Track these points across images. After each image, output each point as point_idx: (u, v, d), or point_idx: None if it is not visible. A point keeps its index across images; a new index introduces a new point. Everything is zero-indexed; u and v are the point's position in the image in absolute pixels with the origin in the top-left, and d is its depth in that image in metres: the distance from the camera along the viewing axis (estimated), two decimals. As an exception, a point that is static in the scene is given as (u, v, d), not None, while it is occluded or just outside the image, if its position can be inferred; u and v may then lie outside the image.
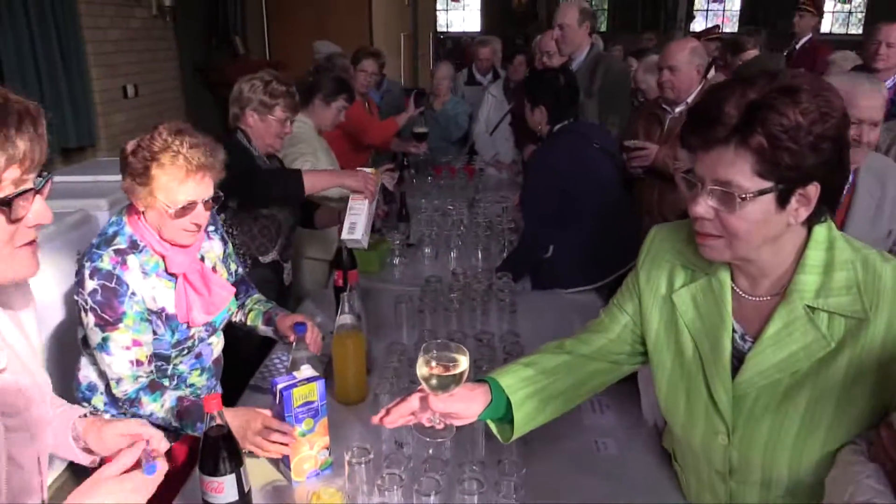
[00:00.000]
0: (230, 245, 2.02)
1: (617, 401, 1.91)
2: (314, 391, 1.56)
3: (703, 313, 1.27)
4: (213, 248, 1.91)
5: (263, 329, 2.01)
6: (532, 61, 4.32)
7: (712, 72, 3.56)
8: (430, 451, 1.57)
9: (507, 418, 1.37)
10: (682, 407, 1.32)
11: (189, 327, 1.78)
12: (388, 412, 1.31)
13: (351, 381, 1.84)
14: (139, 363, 1.67)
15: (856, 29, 15.23)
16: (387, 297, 2.47)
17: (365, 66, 4.32)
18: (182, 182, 1.60)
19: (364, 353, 1.90)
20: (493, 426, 1.40)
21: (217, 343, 1.94)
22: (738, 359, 1.24)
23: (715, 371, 1.25)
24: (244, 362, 2.11)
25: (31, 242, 0.95)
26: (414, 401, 1.28)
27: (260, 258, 2.51)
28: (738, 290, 1.26)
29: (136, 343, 1.66)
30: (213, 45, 6.49)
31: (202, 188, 1.63)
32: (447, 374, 1.24)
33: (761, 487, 1.26)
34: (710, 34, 6.16)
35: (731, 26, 16.53)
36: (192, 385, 1.87)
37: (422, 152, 4.36)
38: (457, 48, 13.56)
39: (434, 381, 1.24)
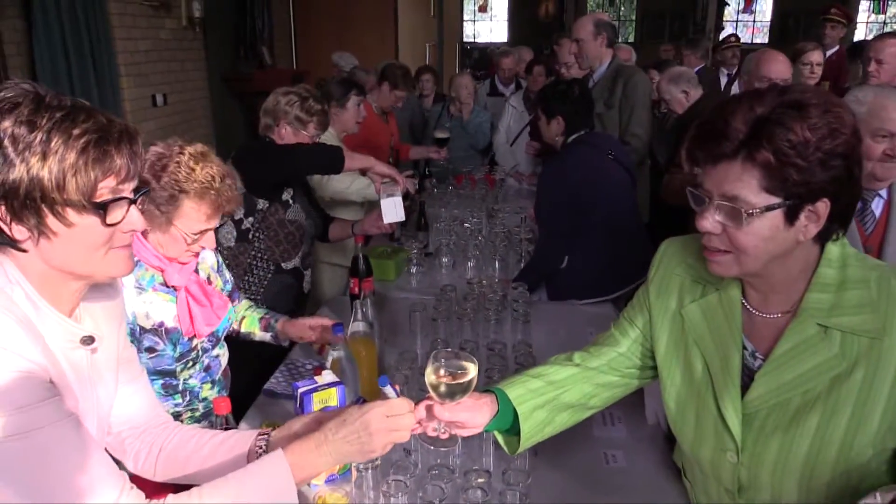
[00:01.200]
0: (220, 255, 2.02)
1: (627, 413, 1.90)
2: (334, 396, 1.59)
3: (713, 329, 1.26)
4: (206, 259, 1.91)
5: (261, 335, 2.04)
6: (552, 72, 4.34)
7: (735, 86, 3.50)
8: (438, 460, 1.58)
9: (514, 430, 1.37)
10: (691, 423, 1.31)
11: (191, 339, 1.78)
12: None
13: (364, 387, 1.86)
14: None
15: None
16: (403, 306, 2.49)
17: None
18: (209, 217, 1.63)
19: (375, 360, 1.92)
20: (499, 438, 1.41)
21: (223, 354, 1.94)
22: (749, 376, 1.23)
23: (724, 388, 1.23)
24: (249, 371, 2.13)
25: (127, 246, 1.07)
26: (420, 409, 1.29)
27: (283, 264, 2.54)
28: (748, 307, 1.24)
29: None
30: (241, 55, 6.60)
31: (220, 217, 1.67)
32: (455, 382, 1.25)
33: None
34: (726, 43, 6.12)
35: (761, 37, 16.41)
36: (204, 399, 1.86)
37: (443, 158, 4.39)
38: (483, 58, 13.61)
39: (442, 389, 1.25)
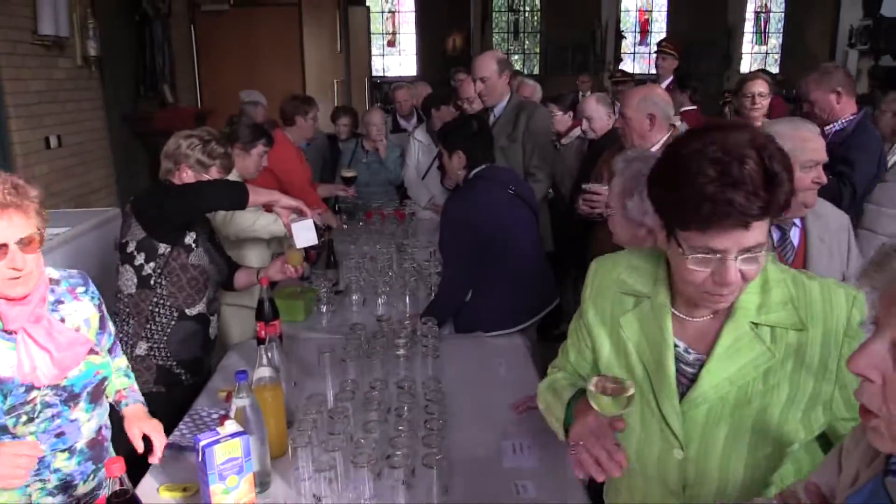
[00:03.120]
0: (105, 312, 1.86)
1: (538, 441, 1.94)
2: (238, 447, 1.55)
3: (647, 334, 1.35)
4: (79, 310, 1.76)
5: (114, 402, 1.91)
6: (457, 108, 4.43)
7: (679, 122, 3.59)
8: (350, 496, 1.58)
9: None
10: (637, 427, 1.37)
11: (29, 390, 1.60)
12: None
13: (270, 436, 1.83)
14: None
15: (774, 69, 16.08)
16: (313, 347, 2.46)
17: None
18: None
19: (282, 408, 1.90)
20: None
21: (89, 421, 1.74)
22: (686, 376, 1.33)
23: (662, 388, 1.32)
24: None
25: None
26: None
27: (187, 310, 2.48)
28: (677, 313, 1.34)
29: None
30: (141, 94, 6.43)
31: (12, 229, 1.52)
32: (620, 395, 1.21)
33: (716, 495, 1.32)
34: (613, 77, 6.50)
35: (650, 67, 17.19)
36: (57, 471, 1.67)
37: (350, 196, 4.41)
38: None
39: (607, 401, 1.21)
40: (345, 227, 4.13)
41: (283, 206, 2.42)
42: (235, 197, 2.33)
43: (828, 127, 3.19)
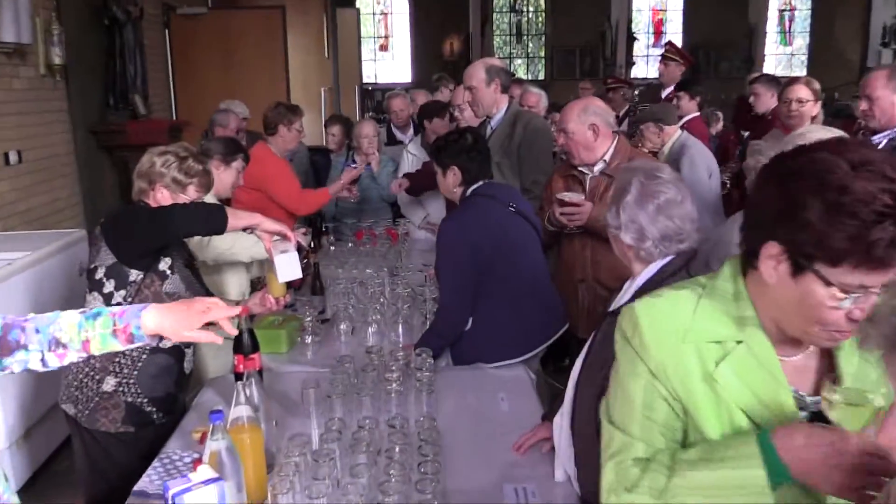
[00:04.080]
0: None
1: (544, 486, 1.95)
2: (213, 494, 1.54)
3: (751, 384, 1.25)
4: None
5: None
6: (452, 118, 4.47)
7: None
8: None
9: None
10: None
11: None
12: None
13: (248, 481, 1.82)
14: None
15: (799, 71, 16.19)
16: (296, 381, 2.44)
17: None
18: None
19: (262, 450, 1.89)
20: None
21: None
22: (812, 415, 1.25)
23: None
24: (115, 469, 2.02)
25: None
26: None
27: (159, 343, 2.41)
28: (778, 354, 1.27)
29: None
30: (110, 105, 6.45)
31: None
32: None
33: None
34: (606, 85, 6.57)
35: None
36: None
37: (353, 197, 4.42)
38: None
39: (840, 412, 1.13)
40: (332, 248, 4.12)
41: (266, 230, 2.40)
42: (213, 221, 2.31)
43: (880, 135, 3.17)
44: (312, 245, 3.45)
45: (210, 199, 3.05)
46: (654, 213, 1.84)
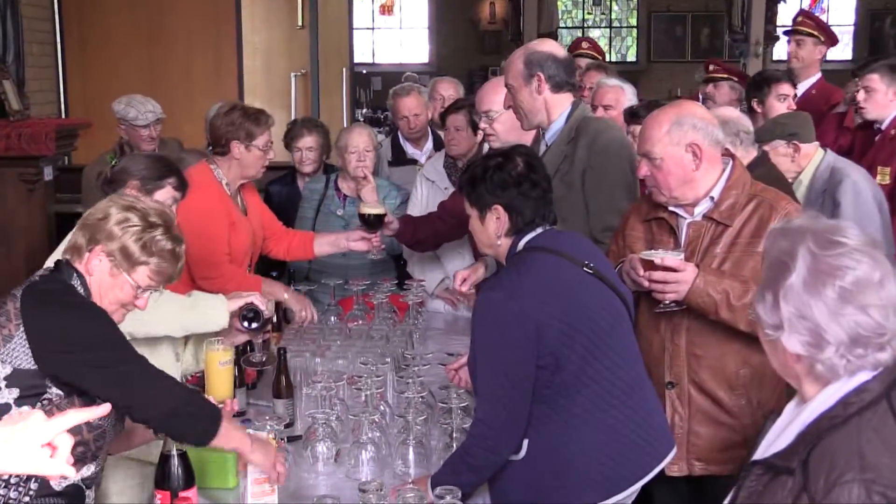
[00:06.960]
0: None
1: None
2: None
3: None
4: None
5: None
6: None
7: None
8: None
9: None
10: None
11: None
12: None
13: None
14: None
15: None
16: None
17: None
18: None
19: None
20: None
21: None
22: None
23: None
24: None
25: None
26: None
27: (52, 483, 2.07)
28: None
29: None
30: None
31: None
32: None
33: None
34: (716, 71, 5.11)
35: (840, 48, 12.91)
36: None
37: (378, 250, 3.48)
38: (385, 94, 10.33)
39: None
40: (304, 325, 3.29)
41: (251, 462, 2.19)
42: (201, 430, 2.09)
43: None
44: (275, 320, 2.95)
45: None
46: (838, 302, 1.46)
